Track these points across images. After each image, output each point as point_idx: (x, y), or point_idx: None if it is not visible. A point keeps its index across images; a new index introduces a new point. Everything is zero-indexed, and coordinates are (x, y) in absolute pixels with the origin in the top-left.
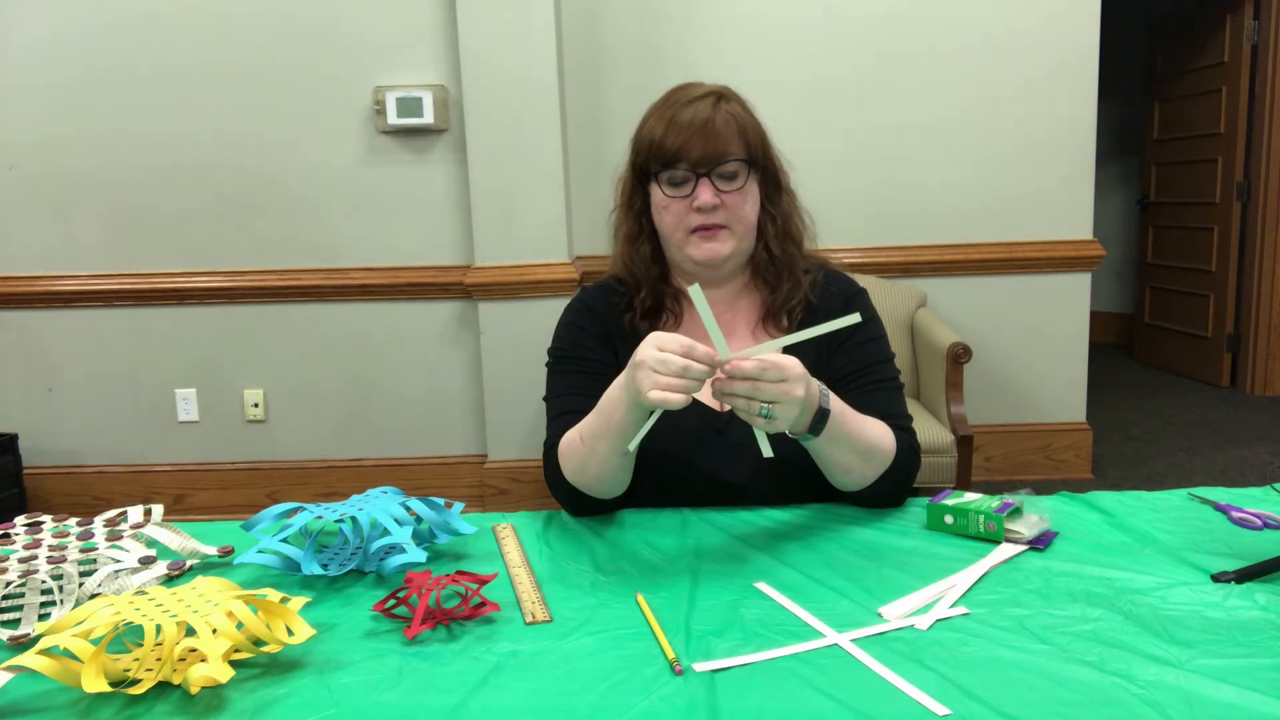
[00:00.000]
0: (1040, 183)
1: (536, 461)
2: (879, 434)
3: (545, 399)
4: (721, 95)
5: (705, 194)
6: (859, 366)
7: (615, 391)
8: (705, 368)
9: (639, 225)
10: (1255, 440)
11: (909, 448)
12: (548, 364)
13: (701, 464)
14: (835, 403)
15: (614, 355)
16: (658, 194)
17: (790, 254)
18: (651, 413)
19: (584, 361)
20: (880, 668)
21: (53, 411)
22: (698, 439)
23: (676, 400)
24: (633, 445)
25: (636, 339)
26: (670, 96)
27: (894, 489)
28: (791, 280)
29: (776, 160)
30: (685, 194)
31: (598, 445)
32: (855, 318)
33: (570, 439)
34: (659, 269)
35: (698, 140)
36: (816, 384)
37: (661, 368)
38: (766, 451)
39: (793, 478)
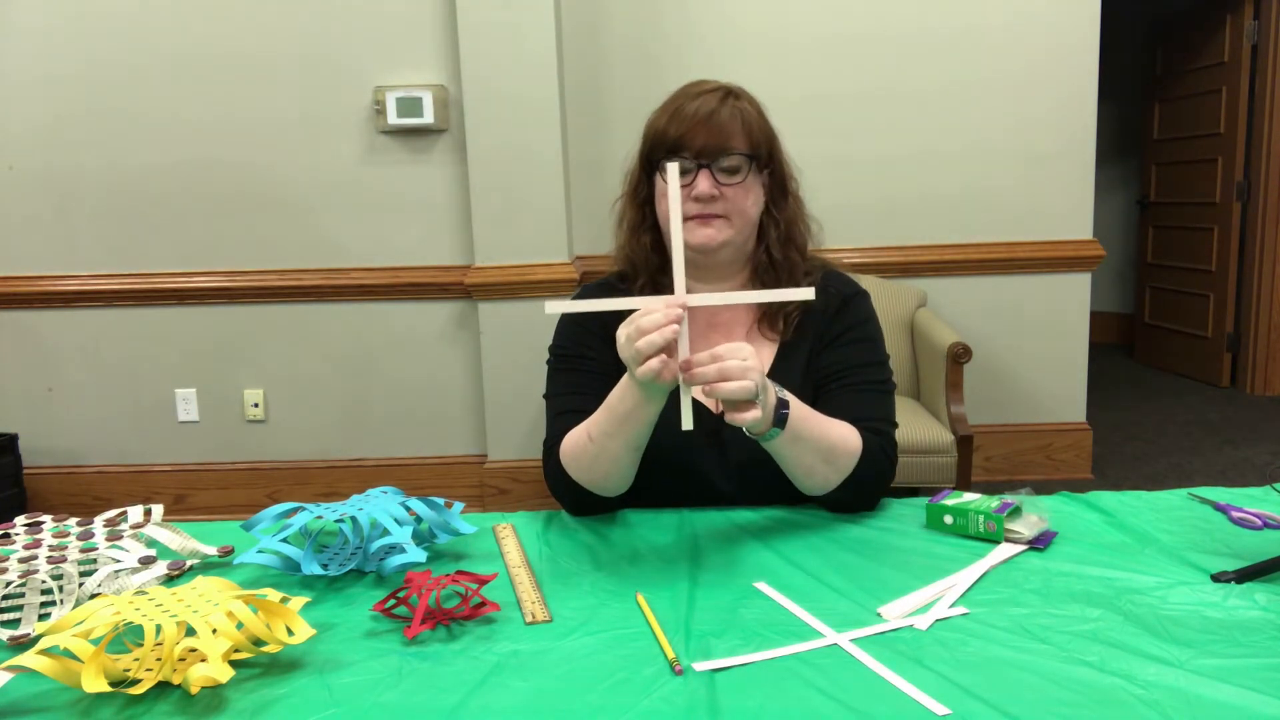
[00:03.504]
0: (1040, 182)
1: (536, 461)
2: (843, 435)
3: (545, 397)
4: (731, 91)
5: (704, 184)
6: (844, 366)
7: (621, 389)
8: (658, 318)
9: (642, 214)
10: (1255, 440)
11: (879, 450)
12: (548, 362)
13: (694, 465)
14: (795, 403)
15: (614, 353)
16: (659, 182)
17: (792, 259)
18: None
19: (585, 360)
20: (880, 668)
21: (53, 411)
22: (690, 440)
23: (655, 366)
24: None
25: None
26: (680, 90)
27: (864, 494)
28: (791, 284)
29: (785, 165)
30: (685, 183)
31: (609, 443)
32: (808, 292)
33: (576, 438)
34: (659, 259)
35: (701, 131)
36: (774, 385)
37: (628, 348)
38: (688, 424)
39: (777, 484)
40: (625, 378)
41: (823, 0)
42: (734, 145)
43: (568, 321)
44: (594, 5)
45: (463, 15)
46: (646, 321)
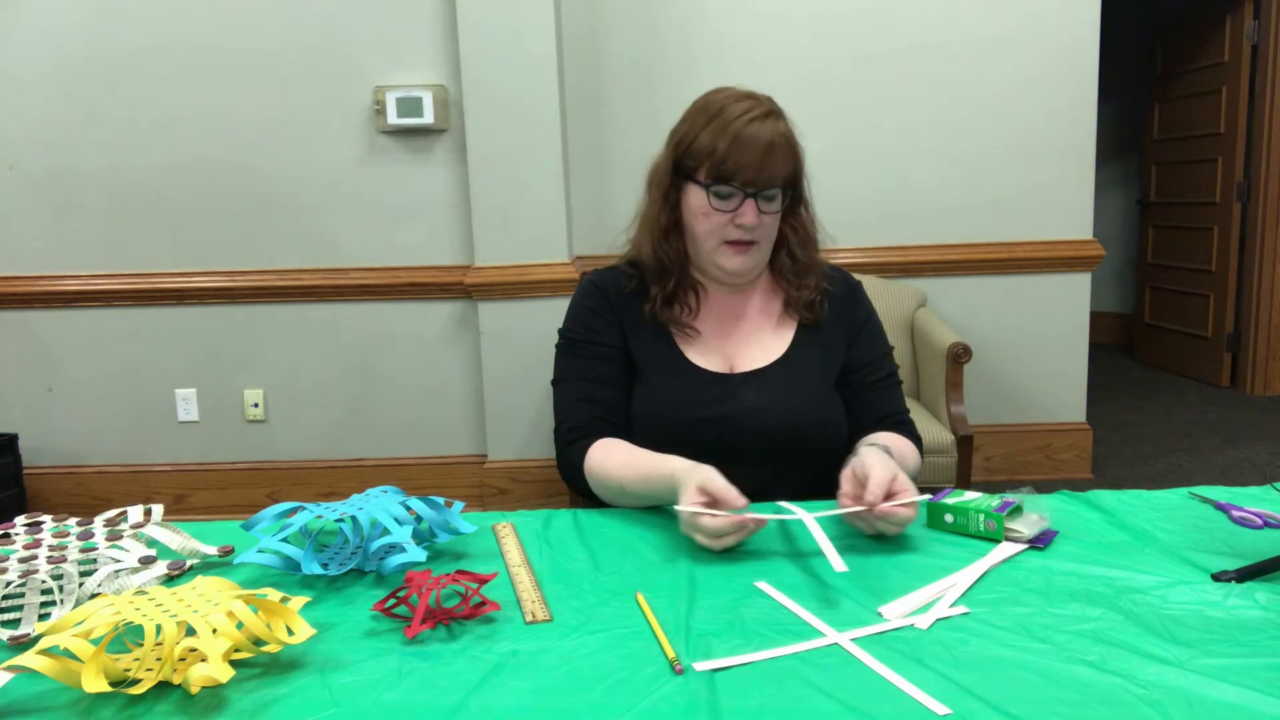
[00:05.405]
0: (1040, 183)
1: (536, 461)
2: (913, 460)
3: (554, 382)
4: (773, 112)
5: (750, 215)
6: (871, 359)
7: (665, 480)
8: (729, 541)
9: (674, 218)
10: (1255, 440)
11: (918, 443)
12: (558, 345)
13: (710, 431)
14: (896, 456)
15: (623, 337)
16: (699, 199)
17: (814, 259)
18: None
19: (595, 346)
20: (880, 667)
21: (53, 411)
22: (710, 400)
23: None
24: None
25: (644, 324)
26: (726, 107)
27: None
28: (815, 278)
29: (805, 176)
30: (730, 208)
31: (639, 497)
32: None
33: (607, 472)
34: (683, 260)
35: (755, 163)
36: (883, 457)
37: (717, 544)
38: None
39: (799, 455)
40: (675, 473)
41: (821, 3)
42: (780, 177)
43: (578, 304)
44: (594, 5)
45: (463, 16)
46: (717, 544)
